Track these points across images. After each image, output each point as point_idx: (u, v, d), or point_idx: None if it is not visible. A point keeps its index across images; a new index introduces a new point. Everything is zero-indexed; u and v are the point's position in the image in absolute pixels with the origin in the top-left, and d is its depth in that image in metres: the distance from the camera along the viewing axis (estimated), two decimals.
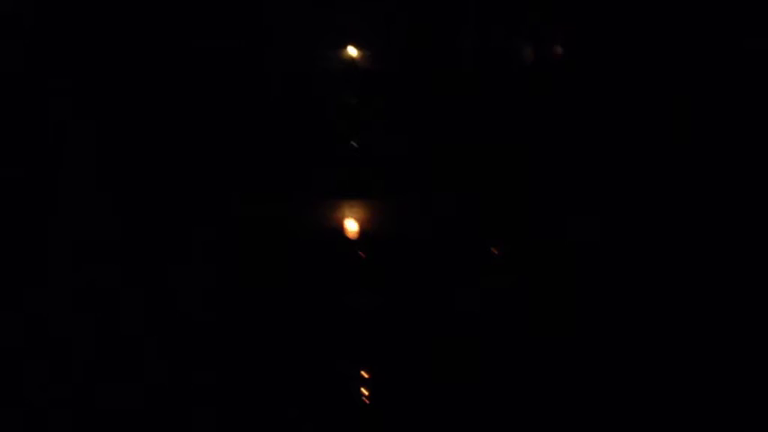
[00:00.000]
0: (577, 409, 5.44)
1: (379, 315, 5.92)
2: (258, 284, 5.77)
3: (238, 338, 5.67)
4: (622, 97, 5.73)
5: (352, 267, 5.98)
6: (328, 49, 6.10)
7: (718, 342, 5.25)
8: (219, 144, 5.88)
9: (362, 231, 5.97)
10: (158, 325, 5.45)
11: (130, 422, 5.19)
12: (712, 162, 5.57)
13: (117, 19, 5.64)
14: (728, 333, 5.26)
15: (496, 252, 5.80)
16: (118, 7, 5.64)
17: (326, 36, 6.07)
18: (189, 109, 5.85)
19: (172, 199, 5.73)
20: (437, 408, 5.67)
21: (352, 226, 5.93)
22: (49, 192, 5.41)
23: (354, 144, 6.08)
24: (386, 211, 6.02)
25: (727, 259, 5.40)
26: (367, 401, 5.87)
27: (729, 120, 5.56)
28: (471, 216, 5.95)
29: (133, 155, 5.66)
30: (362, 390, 5.90)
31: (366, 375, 5.91)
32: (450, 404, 5.70)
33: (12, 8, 5.20)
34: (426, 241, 5.96)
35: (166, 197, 5.73)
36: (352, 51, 6.09)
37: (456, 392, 5.72)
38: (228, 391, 5.52)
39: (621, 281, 5.63)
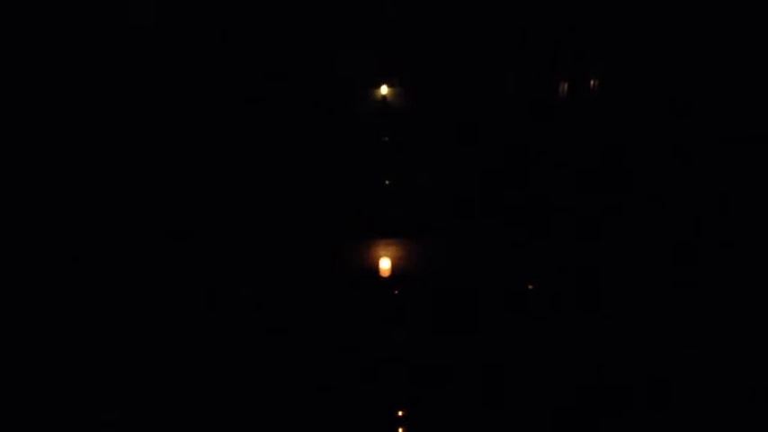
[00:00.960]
0: None
1: (412, 351, 5.97)
2: (293, 320, 5.82)
3: (273, 368, 5.73)
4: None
5: (386, 305, 6.02)
6: (361, 89, 6.17)
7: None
8: (250, 185, 5.94)
9: (395, 270, 6.02)
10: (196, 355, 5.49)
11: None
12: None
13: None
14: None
15: (532, 287, 5.86)
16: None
17: (359, 76, 6.14)
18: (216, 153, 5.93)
19: (208, 232, 5.79)
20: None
21: (385, 264, 5.97)
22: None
23: (387, 182, 6.13)
24: (418, 249, 6.07)
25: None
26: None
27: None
28: (505, 252, 6.02)
29: (183, 187, 5.72)
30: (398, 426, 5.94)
31: (401, 412, 5.93)
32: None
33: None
34: (458, 279, 6.01)
35: (201, 228, 5.79)
36: (384, 90, 6.16)
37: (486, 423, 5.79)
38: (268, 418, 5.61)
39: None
